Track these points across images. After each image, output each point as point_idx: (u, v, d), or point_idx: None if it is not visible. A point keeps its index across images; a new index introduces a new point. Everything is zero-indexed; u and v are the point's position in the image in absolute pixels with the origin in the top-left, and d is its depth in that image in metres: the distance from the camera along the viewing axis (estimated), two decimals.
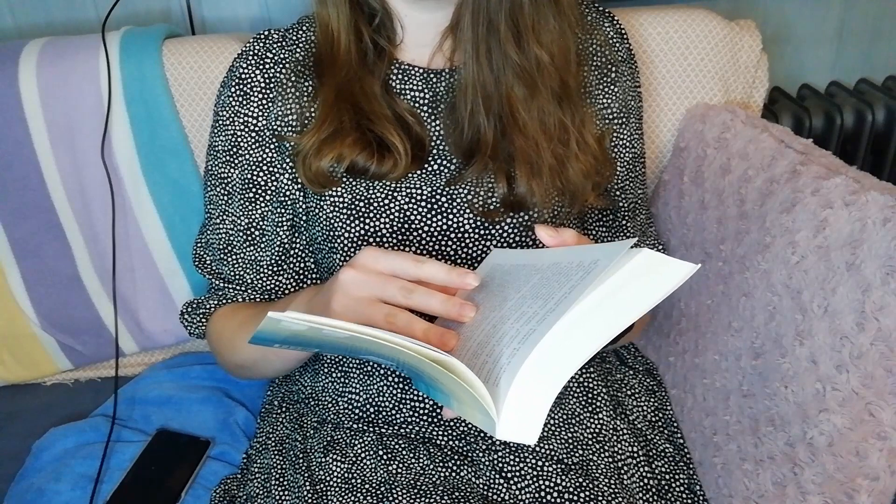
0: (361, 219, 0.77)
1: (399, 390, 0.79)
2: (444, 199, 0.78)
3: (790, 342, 0.70)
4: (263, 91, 0.82)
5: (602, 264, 0.49)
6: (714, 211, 0.87)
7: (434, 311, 0.57)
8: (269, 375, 0.90)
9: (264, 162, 0.82)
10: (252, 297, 0.86)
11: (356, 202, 0.78)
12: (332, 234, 0.79)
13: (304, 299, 0.69)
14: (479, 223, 0.78)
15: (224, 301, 0.86)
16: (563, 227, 0.61)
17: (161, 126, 0.99)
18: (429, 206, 0.78)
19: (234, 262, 0.85)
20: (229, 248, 0.85)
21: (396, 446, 0.79)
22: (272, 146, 0.82)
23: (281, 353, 0.74)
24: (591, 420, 0.81)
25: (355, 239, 0.78)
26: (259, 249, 0.84)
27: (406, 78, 0.80)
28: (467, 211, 0.78)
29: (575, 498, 0.74)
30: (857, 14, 1.35)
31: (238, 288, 0.86)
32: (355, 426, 0.82)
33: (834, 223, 0.68)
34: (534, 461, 0.76)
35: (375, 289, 0.57)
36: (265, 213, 0.83)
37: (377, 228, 0.77)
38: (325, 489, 0.78)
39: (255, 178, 0.83)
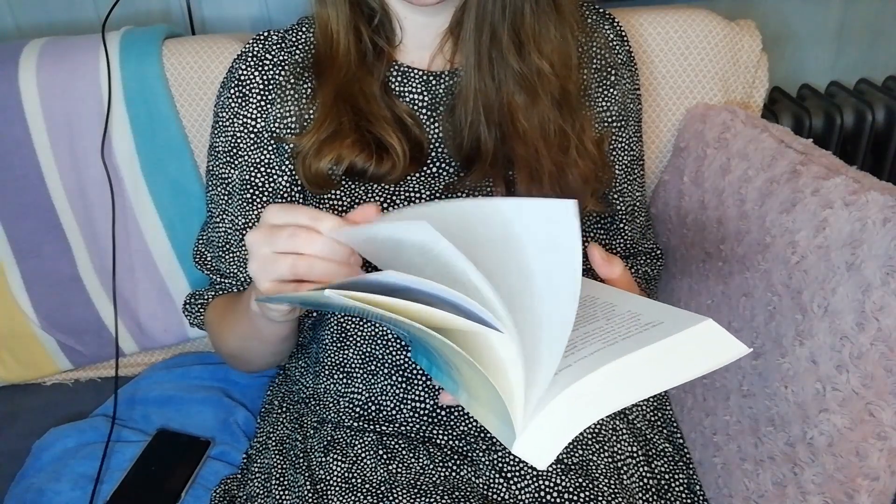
0: None
1: (401, 390, 0.79)
2: None
3: (790, 342, 0.70)
4: (262, 93, 0.82)
5: (665, 329, 0.49)
6: (714, 211, 0.87)
7: (321, 251, 0.57)
8: (258, 363, 0.89)
9: (262, 164, 0.82)
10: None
11: (355, 205, 0.78)
12: None
13: None
14: None
15: (220, 292, 0.87)
16: (615, 256, 0.61)
17: (161, 126, 0.99)
18: None
19: (232, 259, 0.85)
20: (228, 245, 0.85)
21: (396, 446, 0.79)
22: (270, 148, 0.82)
23: (259, 334, 0.75)
24: None
25: None
26: None
27: (405, 80, 0.80)
28: None
29: (575, 498, 0.74)
30: (857, 14, 1.35)
31: (234, 283, 0.86)
32: (355, 426, 0.82)
33: (834, 223, 0.68)
34: None
35: (270, 243, 0.57)
36: (261, 214, 0.83)
37: None
38: (325, 489, 0.78)
39: (252, 179, 0.83)
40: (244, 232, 0.84)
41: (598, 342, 0.50)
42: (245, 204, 0.83)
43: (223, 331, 0.83)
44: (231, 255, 0.85)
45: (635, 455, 0.80)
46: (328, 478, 0.78)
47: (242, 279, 0.86)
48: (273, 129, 0.81)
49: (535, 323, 0.48)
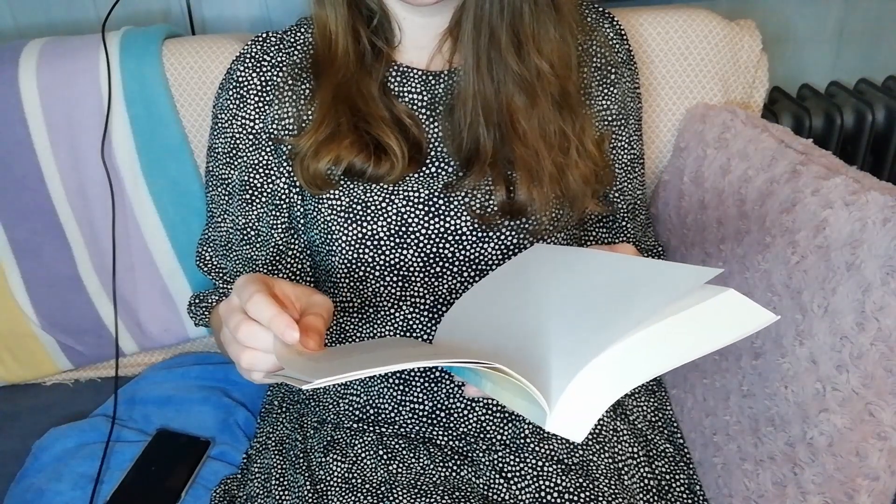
0: (359, 222, 0.77)
1: (399, 392, 0.79)
2: (441, 202, 0.78)
3: (790, 342, 0.70)
4: (260, 94, 0.82)
5: (687, 300, 0.49)
6: (714, 211, 0.87)
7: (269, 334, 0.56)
8: None
9: (261, 165, 0.82)
10: None
11: (353, 205, 0.78)
12: (329, 236, 0.79)
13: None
14: (476, 226, 0.78)
15: (223, 297, 0.86)
16: (619, 244, 0.61)
17: (161, 126, 0.99)
18: (426, 208, 0.78)
19: (234, 258, 0.86)
20: (229, 245, 0.85)
21: (396, 446, 0.79)
22: (269, 149, 0.82)
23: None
24: None
25: (353, 242, 0.78)
26: (254, 248, 0.84)
27: (404, 80, 0.80)
28: (465, 214, 0.78)
29: (575, 498, 0.74)
30: (857, 14, 1.35)
31: None
32: (355, 426, 0.82)
33: (834, 223, 0.68)
34: (534, 461, 0.76)
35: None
36: (260, 215, 0.83)
37: (374, 231, 0.77)
38: (325, 489, 0.78)
39: (251, 180, 0.83)
40: (243, 231, 0.84)
41: (619, 313, 0.50)
42: (245, 205, 0.83)
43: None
44: (233, 254, 0.85)
45: (636, 455, 0.80)
46: (328, 478, 0.78)
47: None
48: (271, 130, 0.81)
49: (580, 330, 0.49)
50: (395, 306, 0.80)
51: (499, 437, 0.78)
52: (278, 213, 0.83)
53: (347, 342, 0.83)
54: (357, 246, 0.78)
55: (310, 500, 0.77)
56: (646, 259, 0.59)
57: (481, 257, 0.78)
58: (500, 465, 0.76)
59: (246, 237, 0.84)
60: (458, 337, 0.63)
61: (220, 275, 0.87)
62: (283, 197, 0.82)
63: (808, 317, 0.69)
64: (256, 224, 0.84)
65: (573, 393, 0.47)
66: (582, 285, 0.57)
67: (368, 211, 0.77)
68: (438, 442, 0.79)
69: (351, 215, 0.78)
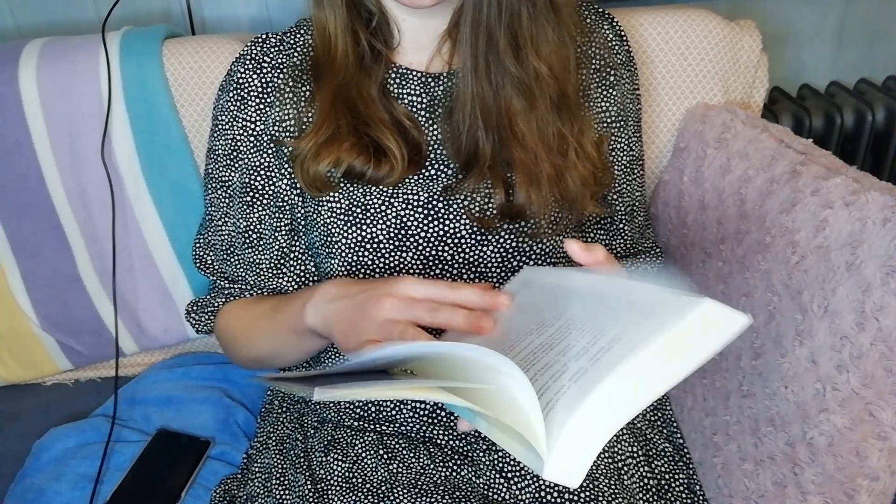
0: (358, 225, 0.77)
1: None
2: (440, 204, 0.78)
3: (790, 342, 0.70)
4: (261, 96, 0.82)
5: (661, 318, 0.48)
6: (714, 211, 0.87)
7: (459, 327, 0.59)
8: (285, 367, 0.90)
9: (262, 167, 0.82)
10: (256, 293, 0.86)
11: (353, 208, 0.78)
12: (329, 239, 0.79)
13: (326, 298, 0.69)
14: (475, 229, 0.78)
15: (230, 298, 0.86)
16: (594, 243, 0.62)
17: (161, 126, 0.99)
18: (426, 211, 0.78)
19: (237, 262, 0.85)
20: (231, 248, 0.85)
21: (397, 446, 0.79)
22: (270, 151, 0.82)
23: (299, 344, 0.76)
24: None
25: (352, 245, 0.78)
26: (258, 252, 0.84)
27: (404, 82, 0.80)
28: (464, 217, 0.78)
29: (575, 498, 0.74)
30: (857, 14, 1.35)
31: (242, 287, 0.86)
32: (356, 425, 0.82)
33: (834, 223, 0.68)
34: None
35: (405, 312, 0.60)
36: (262, 217, 0.83)
37: (374, 234, 0.77)
38: (325, 489, 0.78)
39: (252, 182, 0.83)
40: (245, 235, 0.84)
41: (598, 346, 0.50)
42: (246, 207, 0.83)
43: (251, 338, 0.83)
44: (235, 258, 0.85)
45: (635, 455, 0.80)
46: (329, 477, 0.78)
47: (250, 283, 0.85)
48: (272, 132, 0.81)
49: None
50: None
51: None
52: (281, 216, 0.83)
53: None
54: (357, 249, 0.78)
55: (310, 500, 0.77)
56: (614, 278, 0.58)
57: (480, 260, 0.78)
58: (501, 464, 0.76)
59: (248, 240, 0.84)
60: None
61: (223, 277, 0.87)
62: (285, 198, 0.82)
63: (808, 317, 0.69)
64: (258, 227, 0.84)
65: (568, 439, 0.46)
66: (569, 309, 0.56)
67: (368, 214, 0.77)
68: (439, 441, 0.79)
69: (350, 218, 0.78)
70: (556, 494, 0.74)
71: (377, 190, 0.78)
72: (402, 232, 0.77)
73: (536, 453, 0.47)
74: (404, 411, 0.79)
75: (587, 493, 0.74)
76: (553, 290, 0.61)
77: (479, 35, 0.72)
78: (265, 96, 0.81)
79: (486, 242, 0.78)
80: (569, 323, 0.54)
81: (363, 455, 0.79)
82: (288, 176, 0.82)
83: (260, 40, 0.83)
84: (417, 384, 0.48)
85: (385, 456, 0.78)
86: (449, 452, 0.78)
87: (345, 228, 0.78)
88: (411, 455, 0.78)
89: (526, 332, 0.57)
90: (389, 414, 0.80)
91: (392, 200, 0.78)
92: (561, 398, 0.48)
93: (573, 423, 0.46)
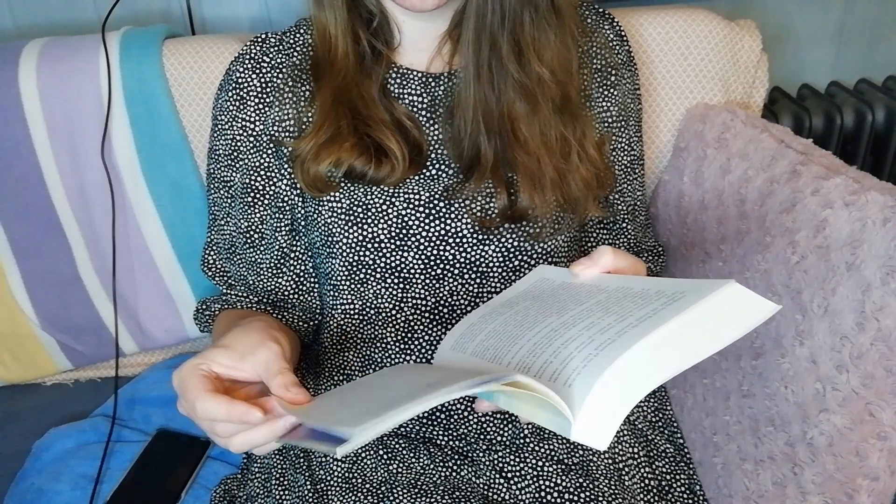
0: (359, 225, 0.77)
1: None
2: (442, 204, 0.78)
3: (790, 342, 0.70)
4: (260, 96, 0.81)
5: (690, 298, 0.50)
6: (714, 211, 0.87)
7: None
8: None
9: (262, 167, 0.82)
10: (253, 300, 0.86)
11: (354, 208, 0.78)
12: (330, 239, 0.79)
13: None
14: (477, 229, 0.78)
15: (226, 306, 0.86)
16: (596, 247, 0.62)
17: (161, 126, 0.99)
18: (427, 211, 0.78)
19: (238, 261, 0.86)
20: (233, 248, 0.85)
21: (397, 446, 0.79)
22: (269, 151, 0.82)
23: None
24: None
25: (353, 244, 0.78)
26: (258, 252, 0.84)
27: (404, 82, 0.80)
28: (465, 217, 0.78)
29: (575, 498, 0.74)
30: (857, 14, 1.35)
31: (240, 292, 0.86)
32: None
33: (834, 223, 0.68)
34: (534, 461, 0.76)
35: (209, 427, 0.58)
36: (263, 217, 0.83)
37: (375, 234, 0.77)
38: (325, 489, 0.78)
39: (253, 182, 0.83)
40: (246, 234, 0.84)
41: (626, 322, 0.51)
42: (247, 207, 0.83)
43: None
44: (237, 257, 0.85)
45: (636, 455, 0.80)
46: (328, 477, 0.78)
47: (250, 282, 0.86)
48: (271, 132, 0.81)
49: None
50: (396, 308, 0.80)
51: (499, 437, 0.78)
52: (281, 216, 0.83)
53: (347, 344, 0.82)
54: (358, 248, 0.78)
55: (310, 500, 0.77)
56: (653, 278, 0.59)
57: (482, 260, 0.78)
58: (501, 464, 0.76)
59: (249, 240, 0.84)
60: (463, 355, 0.63)
61: (225, 279, 0.87)
62: (285, 199, 0.82)
63: (808, 317, 0.69)
64: (260, 227, 0.84)
65: (595, 400, 0.47)
66: (585, 301, 0.58)
67: (369, 213, 0.77)
68: (439, 442, 0.79)
69: (351, 218, 0.78)
70: (556, 495, 0.74)
71: (378, 189, 0.77)
72: (404, 231, 0.77)
73: (563, 416, 0.48)
74: None
75: (587, 493, 0.74)
76: (572, 285, 0.62)
77: (482, 41, 0.72)
78: (264, 96, 0.81)
79: (487, 242, 0.78)
80: (593, 307, 0.56)
81: (363, 455, 0.79)
82: (288, 176, 0.82)
83: (259, 40, 0.83)
84: (441, 394, 0.48)
85: (385, 456, 0.78)
86: (449, 452, 0.78)
87: (346, 228, 0.78)
88: (411, 455, 0.78)
89: (545, 314, 0.58)
90: None
91: (393, 200, 0.77)
92: (588, 364, 0.49)
93: (601, 385, 0.47)
